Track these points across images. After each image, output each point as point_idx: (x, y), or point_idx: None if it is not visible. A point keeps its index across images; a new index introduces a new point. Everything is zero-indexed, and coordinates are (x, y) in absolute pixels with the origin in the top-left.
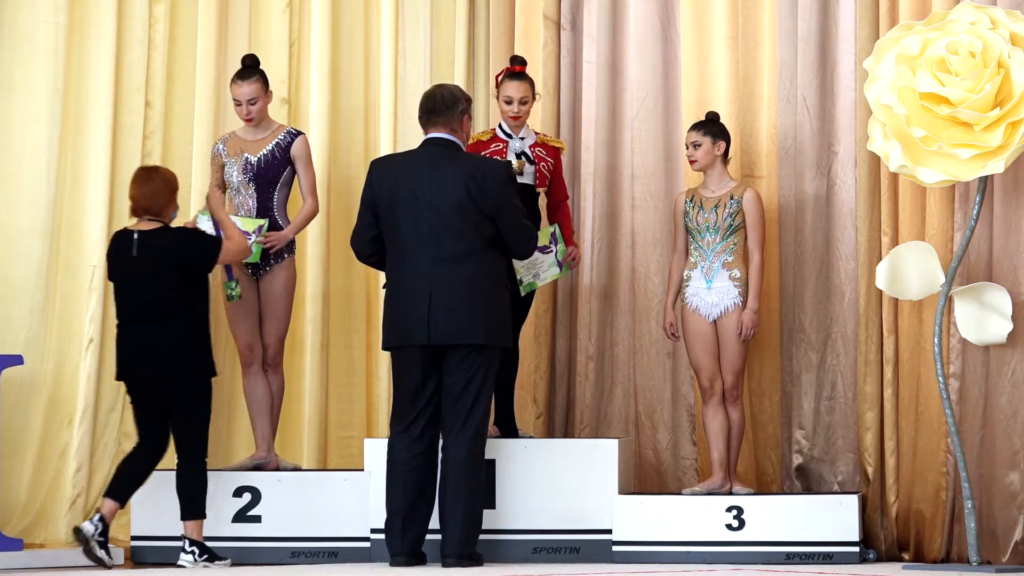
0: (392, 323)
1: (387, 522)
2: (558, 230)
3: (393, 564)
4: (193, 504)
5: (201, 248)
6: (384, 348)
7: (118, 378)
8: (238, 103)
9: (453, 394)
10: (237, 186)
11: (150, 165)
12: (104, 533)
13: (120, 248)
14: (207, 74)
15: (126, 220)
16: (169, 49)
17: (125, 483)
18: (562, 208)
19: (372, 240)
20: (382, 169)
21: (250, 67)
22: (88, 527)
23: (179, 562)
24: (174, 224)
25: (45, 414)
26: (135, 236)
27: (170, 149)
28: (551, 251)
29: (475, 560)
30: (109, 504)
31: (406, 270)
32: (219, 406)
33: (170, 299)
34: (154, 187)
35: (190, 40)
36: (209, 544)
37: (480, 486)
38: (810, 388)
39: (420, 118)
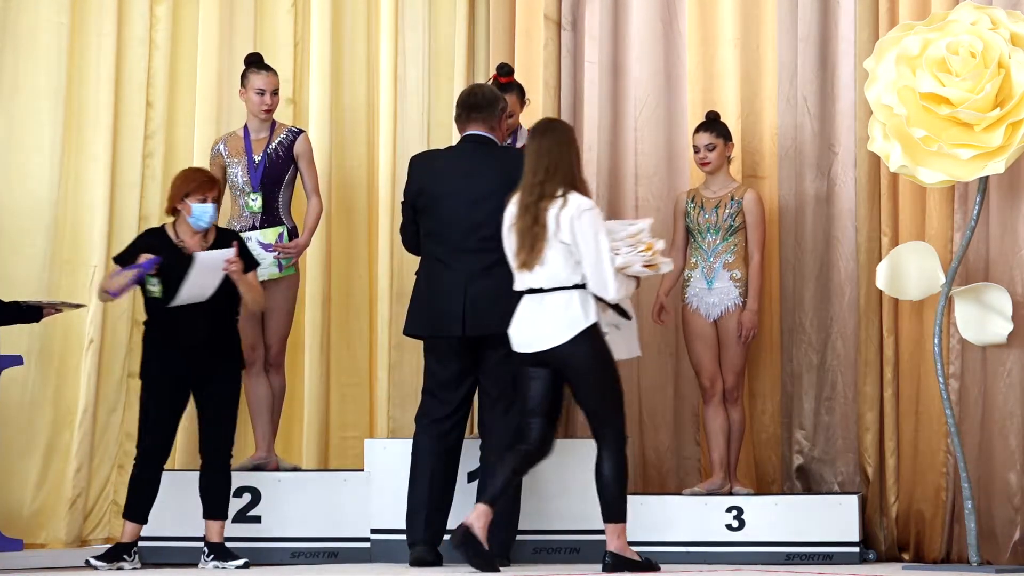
0: (423, 314)
1: (409, 515)
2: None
3: (413, 556)
4: (222, 504)
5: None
6: (408, 334)
7: (158, 373)
8: (260, 92)
9: (492, 396)
10: (241, 186)
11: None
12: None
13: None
14: (209, 74)
15: (127, 220)
16: (171, 49)
17: (146, 501)
18: None
19: (416, 234)
20: (423, 164)
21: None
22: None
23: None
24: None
25: (46, 414)
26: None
27: (172, 150)
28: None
29: (506, 562)
30: (132, 528)
31: (442, 263)
32: None
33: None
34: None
35: (192, 40)
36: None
37: (519, 492)
38: (810, 388)
39: (459, 115)
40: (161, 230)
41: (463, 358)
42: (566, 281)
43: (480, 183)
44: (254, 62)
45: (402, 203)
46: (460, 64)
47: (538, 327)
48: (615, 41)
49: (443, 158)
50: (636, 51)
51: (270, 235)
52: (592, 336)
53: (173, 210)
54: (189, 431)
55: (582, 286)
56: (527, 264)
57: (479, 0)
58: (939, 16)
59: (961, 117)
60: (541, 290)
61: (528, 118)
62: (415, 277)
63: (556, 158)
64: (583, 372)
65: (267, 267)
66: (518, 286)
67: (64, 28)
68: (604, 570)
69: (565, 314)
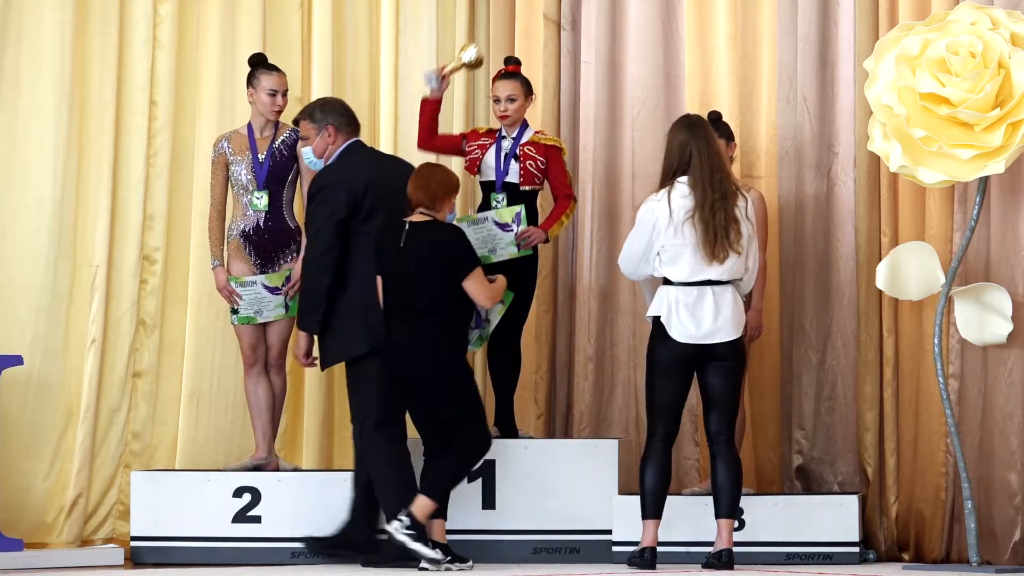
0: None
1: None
2: (523, 211)
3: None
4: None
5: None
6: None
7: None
8: (272, 93)
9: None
10: (245, 184)
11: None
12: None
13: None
14: (214, 73)
15: (130, 220)
16: (175, 48)
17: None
18: (559, 202)
19: None
20: None
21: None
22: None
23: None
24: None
25: (47, 414)
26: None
27: (177, 149)
28: (511, 230)
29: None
30: (438, 525)
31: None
32: (221, 406)
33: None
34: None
35: (197, 39)
36: (210, 545)
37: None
38: (810, 388)
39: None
40: None
41: None
42: (737, 275)
43: None
44: (260, 62)
45: None
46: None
47: (722, 318)
48: (613, 41)
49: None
50: (634, 51)
51: (276, 279)
52: None
53: (429, 205)
54: (190, 430)
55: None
56: (718, 257)
57: (479, 0)
58: (939, 16)
59: (961, 117)
60: (719, 282)
61: (528, 117)
62: None
63: (719, 153)
64: (739, 367)
65: (273, 309)
66: (688, 277)
67: (67, 27)
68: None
69: (735, 309)
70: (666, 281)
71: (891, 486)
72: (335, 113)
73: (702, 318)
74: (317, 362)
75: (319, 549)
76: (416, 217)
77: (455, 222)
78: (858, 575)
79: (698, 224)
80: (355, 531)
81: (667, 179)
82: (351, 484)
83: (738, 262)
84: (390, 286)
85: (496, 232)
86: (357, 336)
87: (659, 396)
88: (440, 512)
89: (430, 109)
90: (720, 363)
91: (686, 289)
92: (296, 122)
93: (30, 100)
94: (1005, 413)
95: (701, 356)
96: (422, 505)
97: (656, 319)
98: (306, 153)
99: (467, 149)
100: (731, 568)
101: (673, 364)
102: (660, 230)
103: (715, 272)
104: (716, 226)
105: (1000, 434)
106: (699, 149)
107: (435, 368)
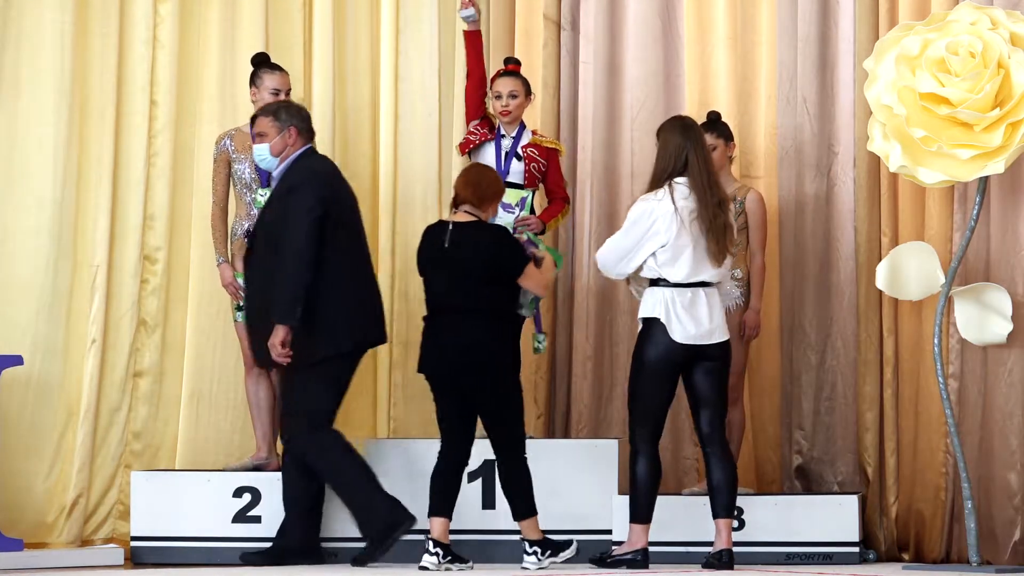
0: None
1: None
2: (530, 197)
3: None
4: (523, 501)
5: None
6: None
7: (422, 371)
8: (276, 92)
9: None
10: (248, 182)
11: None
12: (449, 552)
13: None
14: (215, 73)
15: (130, 219)
16: (176, 48)
17: (447, 496)
18: (555, 203)
19: None
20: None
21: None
22: (430, 561)
23: (523, 565)
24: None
25: (47, 414)
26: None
27: (178, 149)
28: (512, 212)
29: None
30: (438, 524)
31: None
32: (221, 406)
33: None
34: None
35: (197, 39)
36: (210, 545)
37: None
38: (810, 388)
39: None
40: None
41: None
42: (726, 278)
43: None
44: (263, 62)
45: None
46: (460, 63)
47: (715, 320)
48: (612, 41)
49: None
50: (633, 51)
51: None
52: None
53: (476, 205)
54: (190, 430)
55: None
56: (717, 259)
57: (479, 1)
58: (939, 16)
59: (961, 117)
60: (709, 284)
61: (528, 117)
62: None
63: (711, 157)
64: (727, 368)
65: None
66: (686, 278)
67: (67, 27)
68: None
69: (722, 311)
70: (656, 282)
71: (891, 486)
72: (299, 117)
73: (701, 319)
74: (289, 357)
75: (259, 563)
76: (460, 217)
77: None
78: (858, 575)
79: (702, 226)
80: (294, 538)
81: (661, 180)
82: (284, 490)
83: (728, 266)
84: (434, 286)
85: (499, 211)
86: (345, 332)
87: (650, 400)
88: (444, 511)
89: (472, 37)
90: (710, 364)
91: (681, 290)
92: (254, 119)
93: (30, 100)
94: (1005, 413)
95: (693, 357)
96: (530, 524)
97: (652, 320)
98: (260, 150)
99: (471, 128)
100: (731, 568)
101: (666, 366)
102: (660, 229)
103: (710, 274)
104: (717, 229)
105: (1000, 434)
106: (696, 152)
107: (485, 367)
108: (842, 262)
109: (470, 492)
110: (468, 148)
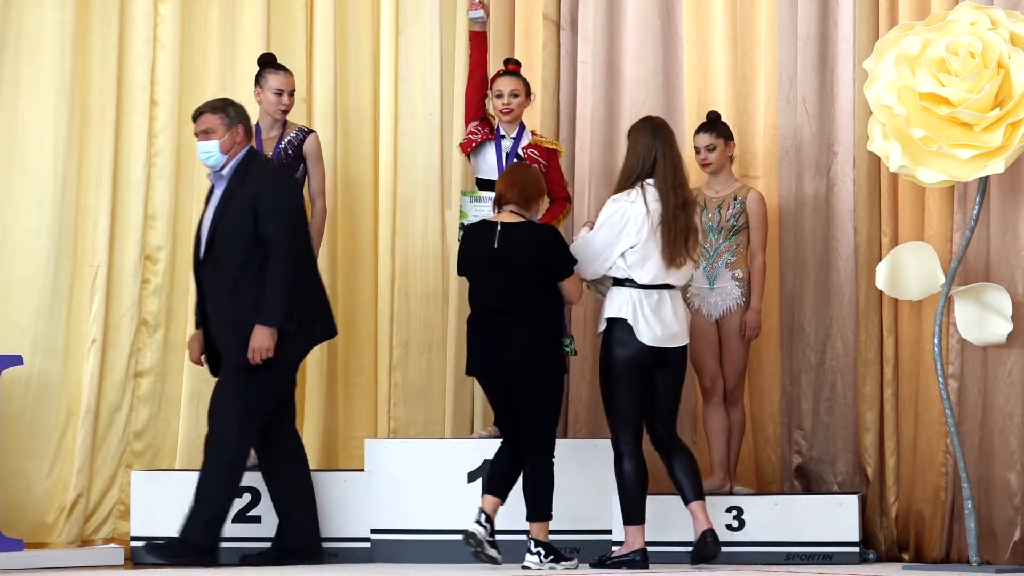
0: None
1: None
2: None
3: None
4: (541, 505)
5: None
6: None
7: (470, 373)
8: (279, 93)
9: None
10: None
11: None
12: (492, 532)
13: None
14: (216, 73)
15: (131, 220)
16: (176, 48)
17: (503, 479)
18: (556, 203)
19: None
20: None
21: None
22: (479, 529)
23: (524, 563)
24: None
25: (47, 414)
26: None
27: (179, 149)
28: None
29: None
30: (491, 500)
31: None
32: None
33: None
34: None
35: (198, 39)
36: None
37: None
38: (809, 388)
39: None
40: None
41: None
42: (688, 282)
43: None
44: (269, 62)
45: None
46: (460, 63)
47: (679, 323)
48: (611, 41)
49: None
50: (632, 51)
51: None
52: None
53: (522, 205)
54: (191, 430)
55: None
56: (676, 263)
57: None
58: (939, 16)
59: (961, 117)
60: (673, 288)
61: (528, 117)
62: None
63: (680, 159)
64: (683, 374)
65: None
66: (653, 280)
67: (67, 27)
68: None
69: (685, 316)
70: (622, 283)
71: (891, 486)
72: (244, 117)
73: (667, 321)
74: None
75: (259, 563)
76: (508, 217)
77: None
78: (858, 575)
79: (660, 229)
80: (294, 538)
81: (629, 181)
82: (272, 496)
83: (690, 270)
84: (484, 288)
85: (487, 201)
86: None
87: (624, 402)
88: (497, 492)
89: (478, 38)
90: (667, 370)
91: (647, 292)
92: (199, 113)
93: (30, 100)
94: (1005, 413)
95: (656, 360)
96: (540, 527)
97: (617, 321)
98: (208, 147)
99: (471, 128)
100: (719, 547)
101: (633, 368)
102: (631, 231)
103: (674, 278)
104: (676, 232)
105: (1000, 434)
106: (664, 153)
107: (530, 367)
108: (842, 262)
109: (470, 492)
110: (470, 147)
